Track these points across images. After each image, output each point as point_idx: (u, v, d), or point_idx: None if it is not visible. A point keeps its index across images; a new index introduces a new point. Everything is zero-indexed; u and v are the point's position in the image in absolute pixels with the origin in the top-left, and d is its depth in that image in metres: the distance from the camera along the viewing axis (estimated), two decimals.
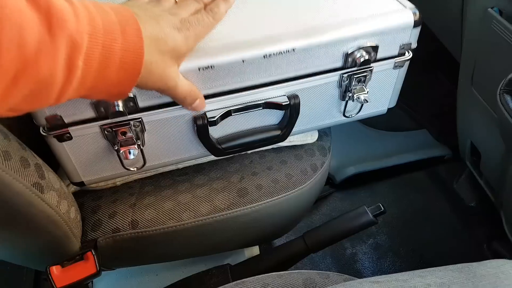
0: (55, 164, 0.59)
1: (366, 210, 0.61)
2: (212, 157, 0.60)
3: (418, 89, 1.31)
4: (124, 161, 0.51)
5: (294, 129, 0.57)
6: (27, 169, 0.45)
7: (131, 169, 0.53)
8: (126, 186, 0.63)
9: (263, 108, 0.52)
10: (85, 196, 0.61)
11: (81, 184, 0.55)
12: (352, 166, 1.13)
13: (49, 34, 0.28)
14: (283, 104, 0.52)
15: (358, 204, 1.13)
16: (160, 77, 0.39)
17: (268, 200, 0.61)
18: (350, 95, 0.53)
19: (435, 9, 1.03)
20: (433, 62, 1.31)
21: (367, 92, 0.53)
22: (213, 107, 0.51)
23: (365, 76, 0.52)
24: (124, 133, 0.49)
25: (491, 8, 0.70)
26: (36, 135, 0.47)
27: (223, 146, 0.55)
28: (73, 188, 0.60)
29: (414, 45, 0.53)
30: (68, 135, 0.47)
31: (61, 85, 0.31)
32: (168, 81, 0.41)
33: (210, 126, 0.51)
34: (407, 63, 0.55)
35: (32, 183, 0.45)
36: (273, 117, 0.56)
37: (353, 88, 0.53)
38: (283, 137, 0.56)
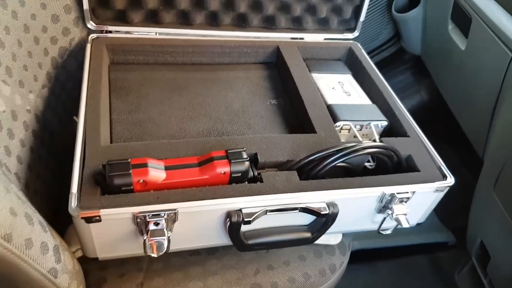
0: (67, 220, 0.60)
1: None
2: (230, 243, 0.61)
3: None
4: (148, 250, 0.52)
5: None
6: (46, 255, 0.45)
7: (152, 255, 0.53)
8: (134, 258, 0.63)
9: (299, 211, 0.55)
10: (91, 262, 0.61)
11: (95, 259, 0.55)
12: (356, 241, 1.16)
13: None
14: (322, 212, 0.54)
15: (358, 283, 1.17)
16: None
17: None
18: (389, 212, 0.57)
19: (463, 101, 1.09)
20: (446, 140, 1.37)
21: (406, 213, 0.56)
22: (249, 204, 0.53)
23: (408, 197, 0.56)
24: (156, 223, 0.50)
25: None
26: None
27: (250, 242, 0.56)
28: (80, 252, 0.60)
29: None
30: (98, 217, 0.48)
31: None
32: None
33: (243, 224, 0.53)
34: (448, 188, 0.59)
35: (48, 270, 0.45)
36: (305, 217, 0.58)
37: (393, 205, 0.56)
38: (312, 241, 0.59)
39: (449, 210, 1.30)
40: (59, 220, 0.57)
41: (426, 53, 1.29)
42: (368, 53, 1.47)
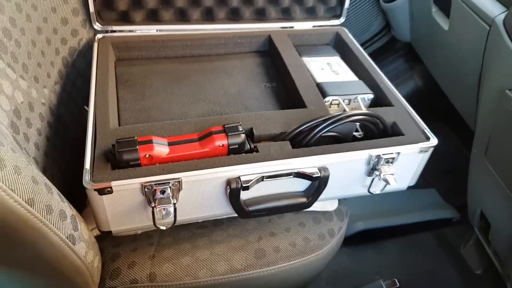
0: (81, 204, 0.64)
1: (382, 285, 0.66)
2: (233, 214, 0.65)
3: None
4: (157, 218, 0.56)
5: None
6: (64, 222, 0.49)
7: (161, 227, 0.57)
8: (145, 234, 0.67)
9: (293, 177, 0.58)
10: (106, 240, 0.66)
11: (109, 232, 0.59)
12: (360, 221, 1.18)
13: None
14: (314, 176, 0.58)
15: (366, 263, 1.19)
16: None
17: (285, 264, 0.65)
18: (377, 173, 0.59)
19: (451, 79, 1.11)
20: (444, 121, 1.39)
21: (394, 173, 0.59)
22: (247, 172, 0.56)
23: (392, 158, 0.59)
24: (162, 191, 0.54)
25: (509, 90, 0.78)
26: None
27: (250, 208, 0.60)
28: (95, 231, 0.64)
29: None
30: (109, 189, 0.52)
31: None
32: None
33: (242, 190, 0.56)
34: (432, 149, 0.61)
35: (67, 235, 0.49)
36: (300, 184, 0.61)
37: (381, 167, 0.59)
38: (308, 205, 0.62)
39: (452, 189, 1.31)
40: (76, 207, 0.61)
41: (415, 39, 1.32)
42: (361, 45, 1.50)
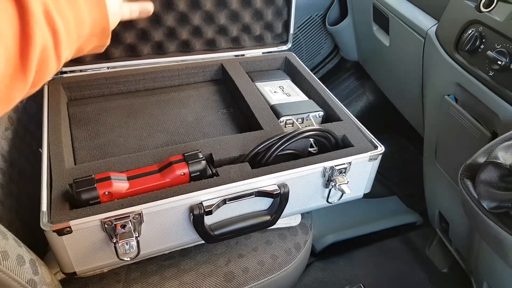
0: (43, 249, 0.61)
1: None
2: (200, 241, 0.64)
3: (386, 156, 1.46)
4: (120, 254, 0.55)
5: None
6: (23, 267, 0.47)
7: (125, 259, 0.56)
8: (112, 272, 0.65)
9: (255, 196, 0.59)
10: (71, 283, 0.63)
11: (73, 274, 0.57)
12: (330, 234, 1.20)
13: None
14: (274, 193, 0.59)
15: (339, 274, 1.20)
16: None
17: (255, 283, 0.65)
18: (333, 184, 0.62)
19: (398, 91, 1.18)
20: (398, 131, 1.46)
21: (348, 182, 0.61)
22: (208, 197, 0.57)
23: (345, 168, 0.61)
24: (123, 226, 0.53)
25: (448, 95, 0.84)
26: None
27: (216, 232, 0.60)
28: (60, 275, 0.62)
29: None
30: (68, 229, 0.51)
31: (53, 42, 0.35)
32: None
33: (206, 215, 0.57)
34: (380, 156, 0.65)
35: (26, 281, 0.47)
36: (263, 203, 0.62)
37: (335, 177, 0.62)
38: (272, 223, 0.63)
39: (413, 195, 1.37)
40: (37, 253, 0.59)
41: (362, 57, 1.39)
42: (314, 68, 1.56)
